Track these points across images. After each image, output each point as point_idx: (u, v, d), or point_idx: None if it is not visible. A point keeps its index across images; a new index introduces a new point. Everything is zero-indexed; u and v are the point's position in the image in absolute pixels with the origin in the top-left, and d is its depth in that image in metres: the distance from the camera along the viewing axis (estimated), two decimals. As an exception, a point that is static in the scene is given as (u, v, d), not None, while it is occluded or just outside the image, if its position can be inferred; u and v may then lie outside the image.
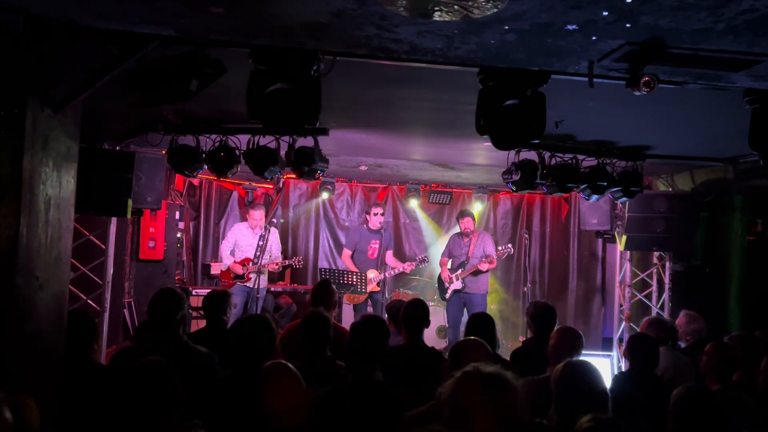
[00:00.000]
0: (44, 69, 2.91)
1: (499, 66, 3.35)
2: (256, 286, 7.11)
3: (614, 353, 6.92)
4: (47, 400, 2.87)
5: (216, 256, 8.98)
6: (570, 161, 5.58)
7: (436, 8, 2.54)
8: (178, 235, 7.94)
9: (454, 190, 9.71)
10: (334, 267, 9.24)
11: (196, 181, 8.81)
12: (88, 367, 3.36)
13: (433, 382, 3.04)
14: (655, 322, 4.62)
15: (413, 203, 9.55)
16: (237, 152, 5.21)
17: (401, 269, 7.95)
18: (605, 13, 2.61)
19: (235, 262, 7.54)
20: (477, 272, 7.63)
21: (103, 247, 6.08)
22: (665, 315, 6.85)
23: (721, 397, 3.31)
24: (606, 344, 8.34)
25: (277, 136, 5.14)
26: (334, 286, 4.92)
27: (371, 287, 7.74)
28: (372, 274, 7.78)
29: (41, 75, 2.89)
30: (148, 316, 3.51)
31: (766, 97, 3.58)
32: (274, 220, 9.41)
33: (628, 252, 7.49)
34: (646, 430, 3.21)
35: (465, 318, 7.67)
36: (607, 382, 3.19)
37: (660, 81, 3.17)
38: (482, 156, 6.80)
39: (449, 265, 7.96)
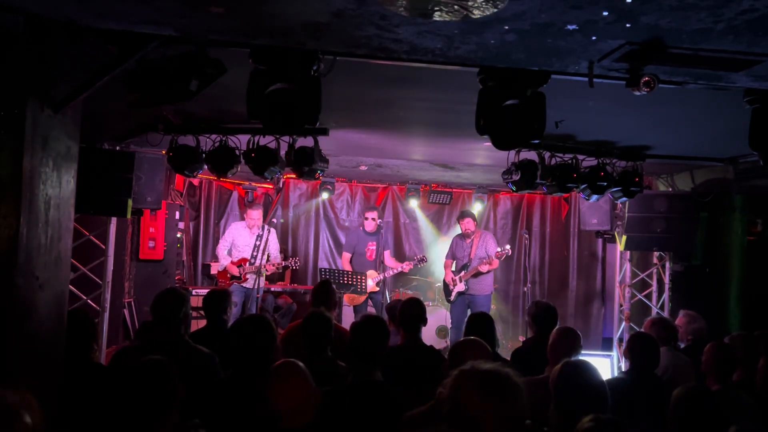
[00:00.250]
0: (44, 69, 2.91)
1: (499, 66, 3.35)
2: (255, 287, 7.11)
3: (614, 353, 6.91)
4: (47, 400, 2.88)
5: (216, 256, 9.00)
6: (570, 161, 5.58)
7: (436, 8, 2.54)
8: (178, 235, 7.94)
9: (454, 190, 9.72)
10: (334, 267, 9.25)
11: (196, 181, 8.81)
12: (88, 367, 3.36)
13: (432, 381, 3.04)
14: (657, 322, 4.63)
15: (413, 203, 9.56)
16: (237, 152, 5.22)
17: (400, 269, 7.96)
18: (605, 13, 2.61)
19: (231, 262, 7.51)
20: (479, 274, 7.64)
21: (103, 247, 6.08)
22: (665, 315, 6.85)
23: (721, 397, 3.31)
24: (606, 344, 8.34)
25: (277, 136, 5.14)
26: (334, 286, 4.91)
27: (370, 288, 7.74)
28: (371, 275, 7.78)
29: (41, 75, 2.89)
30: (152, 315, 3.52)
31: (766, 97, 3.58)
32: (274, 220, 9.42)
33: (628, 252, 7.49)
34: (645, 430, 3.21)
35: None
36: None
37: (660, 81, 3.17)
38: (482, 156, 6.80)
39: (453, 267, 7.97)
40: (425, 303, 8.42)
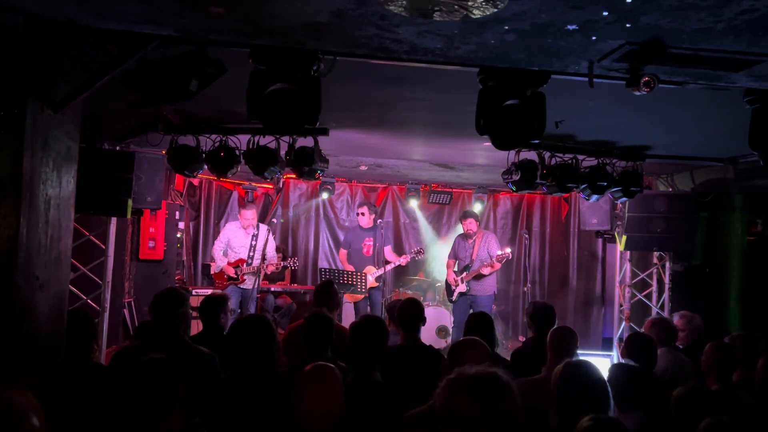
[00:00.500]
0: (44, 69, 2.91)
1: (499, 66, 3.35)
2: (255, 287, 7.11)
3: (614, 353, 6.91)
4: (47, 400, 2.88)
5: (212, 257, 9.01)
6: (570, 161, 5.59)
7: (436, 8, 2.54)
8: (178, 235, 7.94)
9: (454, 190, 9.72)
10: (334, 267, 9.25)
11: (196, 181, 8.81)
12: (88, 367, 3.36)
13: (432, 381, 3.05)
14: (657, 323, 4.62)
15: (413, 203, 9.56)
16: (237, 152, 5.22)
17: (398, 263, 7.98)
18: (605, 13, 2.61)
19: (228, 263, 7.42)
20: (480, 276, 7.64)
21: (103, 247, 6.08)
22: (665, 315, 6.85)
23: (721, 397, 3.31)
24: (606, 344, 8.35)
25: (277, 136, 5.14)
26: (336, 287, 4.91)
27: (370, 284, 7.76)
28: (369, 270, 7.80)
29: (41, 75, 2.89)
30: (151, 314, 3.51)
31: (766, 97, 3.58)
32: (274, 220, 9.43)
33: (628, 252, 7.49)
34: (644, 430, 3.21)
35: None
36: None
37: (660, 81, 3.17)
38: (482, 156, 6.81)
39: (455, 268, 7.98)
40: (425, 303, 8.48)
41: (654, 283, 7.48)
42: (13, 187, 2.74)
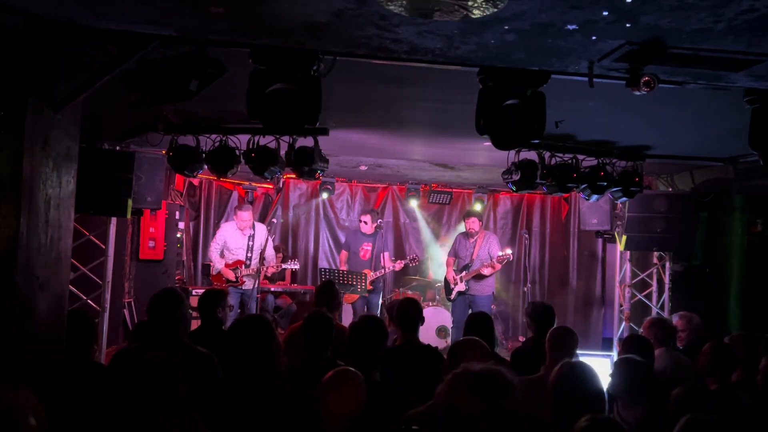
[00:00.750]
0: (44, 69, 2.91)
1: (499, 66, 3.35)
2: (255, 287, 7.09)
3: (614, 353, 6.91)
4: (47, 400, 2.87)
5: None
6: (570, 161, 5.59)
7: (436, 8, 2.54)
8: (178, 235, 7.94)
9: (454, 190, 9.72)
10: (334, 267, 9.26)
11: (196, 181, 8.81)
12: (88, 367, 3.36)
13: (431, 381, 3.05)
14: (656, 323, 4.63)
15: (413, 203, 9.56)
16: (237, 152, 5.22)
17: (391, 268, 7.97)
18: (605, 13, 2.61)
19: (226, 265, 7.30)
20: (479, 276, 7.64)
21: (103, 247, 6.08)
22: (665, 315, 6.85)
23: (720, 397, 3.31)
24: (606, 344, 8.35)
25: (277, 136, 5.14)
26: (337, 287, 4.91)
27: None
28: (365, 273, 7.80)
29: (41, 75, 2.89)
30: (148, 315, 3.51)
31: (766, 97, 3.58)
32: (274, 220, 9.43)
33: (628, 252, 7.49)
34: (644, 423, 3.21)
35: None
36: (607, 383, 3.20)
37: (660, 81, 3.17)
38: (482, 156, 6.81)
39: (455, 266, 7.97)
40: (425, 303, 8.48)
41: (654, 283, 7.48)
42: (13, 187, 2.74)
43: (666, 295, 7.29)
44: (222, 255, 7.36)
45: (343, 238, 9.31)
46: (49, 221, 2.99)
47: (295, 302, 8.60)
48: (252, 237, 7.34)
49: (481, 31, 2.87)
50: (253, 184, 9.27)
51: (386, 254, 8.07)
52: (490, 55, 3.21)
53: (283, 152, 5.28)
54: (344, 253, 8.26)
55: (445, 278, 8.05)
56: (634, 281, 7.56)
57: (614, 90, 3.41)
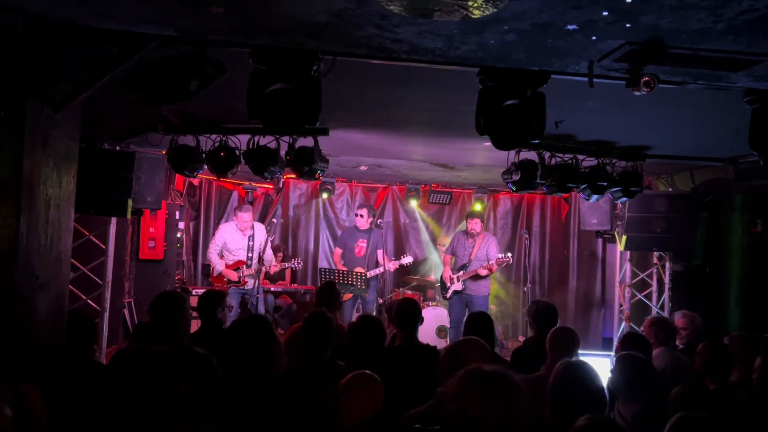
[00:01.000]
0: (44, 69, 2.91)
1: (499, 66, 3.35)
2: (255, 287, 7.08)
3: (614, 353, 6.91)
4: (47, 400, 2.87)
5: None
6: (570, 161, 5.59)
7: (436, 8, 2.54)
8: (178, 235, 7.93)
9: (454, 190, 9.72)
10: (334, 267, 9.25)
11: (196, 181, 8.81)
12: (88, 366, 3.36)
13: (430, 381, 3.05)
14: (656, 322, 4.63)
15: (413, 203, 9.57)
16: (237, 152, 5.22)
17: (386, 267, 7.95)
18: (605, 13, 2.61)
19: (227, 266, 7.27)
20: (477, 276, 7.64)
21: (103, 247, 6.08)
22: (665, 315, 6.85)
23: (718, 396, 3.31)
24: (606, 344, 8.34)
25: (277, 136, 5.14)
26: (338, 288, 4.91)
27: None
28: (359, 270, 7.80)
29: (41, 75, 2.89)
30: (150, 316, 3.52)
31: (766, 97, 3.58)
32: (274, 220, 9.42)
33: (628, 252, 7.49)
34: (642, 420, 3.22)
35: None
36: (607, 379, 3.21)
37: (660, 81, 3.17)
38: (482, 156, 6.81)
39: (452, 264, 7.97)
40: (425, 303, 8.48)
41: (654, 283, 7.48)
42: (13, 187, 2.74)
43: (666, 295, 7.29)
44: (221, 256, 7.32)
45: (338, 237, 9.31)
46: (49, 221, 2.99)
47: (295, 302, 8.60)
48: (252, 237, 7.33)
49: (481, 31, 2.87)
50: (253, 184, 9.27)
51: (380, 252, 8.06)
52: (490, 55, 3.21)
53: (283, 152, 5.28)
54: (338, 250, 8.26)
55: (441, 276, 8.05)
56: (634, 281, 7.56)
57: (614, 90, 3.41)
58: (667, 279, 7.30)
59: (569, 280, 9.58)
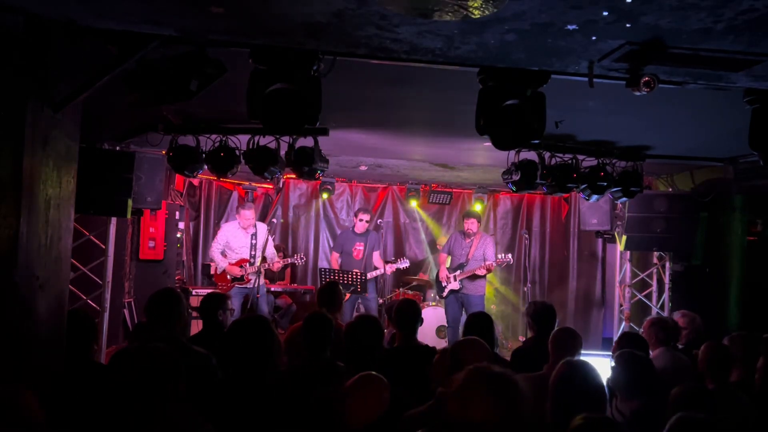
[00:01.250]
0: (44, 69, 2.91)
1: (499, 66, 3.35)
2: (255, 286, 7.09)
3: (611, 353, 6.91)
4: (47, 400, 2.87)
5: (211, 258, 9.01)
6: (570, 161, 5.59)
7: (436, 8, 2.54)
8: (178, 235, 7.93)
9: (454, 190, 9.72)
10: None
11: (196, 181, 8.81)
12: (88, 367, 3.36)
13: (430, 381, 3.05)
14: (656, 322, 4.63)
15: (413, 203, 9.56)
16: (237, 152, 5.21)
17: (382, 271, 7.95)
18: (605, 13, 2.61)
19: (230, 264, 7.30)
20: (474, 276, 7.64)
21: (103, 247, 6.08)
22: (665, 315, 6.85)
23: (718, 396, 3.31)
24: (606, 344, 8.34)
25: (277, 136, 5.14)
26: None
27: None
28: (357, 272, 7.81)
29: (41, 75, 2.89)
30: (146, 315, 3.51)
31: (766, 97, 3.59)
32: (274, 220, 9.42)
33: (628, 252, 7.49)
34: (641, 417, 3.22)
35: (464, 318, 7.69)
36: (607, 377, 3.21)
37: (660, 81, 3.17)
38: (482, 156, 6.81)
39: (448, 263, 7.97)
40: (426, 303, 8.47)
41: (654, 283, 7.48)
42: (13, 187, 2.74)
43: (666, 295, 7.29)
44: (224, 254, 7.34)
45: (335, 241, 9.30)
46: (49, 221, 2.99)
47: (295, 302, 8.59)
48: (255, 235, 7.35)
49: (481, 31, 2.87)
50: (253, 184, 9.26)
51: (376, 254, 8.05)
52: (490, 55, 3.21)
53: (283, 152, 5.28)
54: (335, 254, 8.24)
55: (437, 276, 8.05)
56: (634, 281, 7.56)
57: (614, 90, 3.41)
58: (667, 279, 7.30)
59: (569, 280, 9.58)
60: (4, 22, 2.77)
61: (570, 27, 2.77)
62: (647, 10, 2.57)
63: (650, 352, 4.33)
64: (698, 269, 6.92)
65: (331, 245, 9.73)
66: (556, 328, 3.94)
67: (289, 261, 7.92)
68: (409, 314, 4.04)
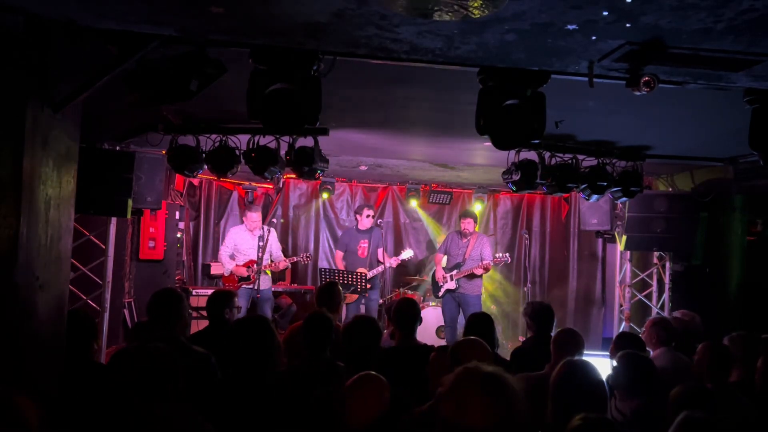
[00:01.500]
0: (44, 69, 2.91)
1: (499, 66, 3.35)
2: (256, 287, 7.12)
3: (609, 353, 6.91)
4: (47, 400, 2.87)
5: (216, 256, 9.01)
6: (570, 161, 5.59)
7: (436, 8, 2.54)
8: (178, 235, 7.93)
9: (454, 190, 9.72)
10: (334, 267, 9.25)
11: (196, 181, 8.81)
12: (88, 367, 3.36)
13: (429, 381, 3.05)
14: (658, 323, 4.63)
15: (413, 203, 9.56)
16: (237, 152, 5.22)
17: (388, 265, 7.98)
18: (605, 13, 2.61)
19: (237, 265, 7.41)
20: (471, 275, 7.64)
21: (103, 247, 6.08)
22: (665, 315, 6.85)
23: (716, 396, 3.31)
24: (606, 344, 8.30)
25: (277, 136, 5.14)
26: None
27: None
28: (362, 271, 7.81)
29: (41, 75, 2.89)
30: (148, 315, 3.52)
31: (766, 97, 3.58)
32: (274, 220, 9.43)
33: (628, 252, 7.49)
34: (641, 416, 3.22)
35: (461, 317, 7.70)
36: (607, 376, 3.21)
37: (660, 81, 3.17)
38: (482, 156, 6.81)
39: (444, 263, 7.96)
40: (426, 303, 8.47)
41: (654, 283, 7.48)
42: (13, 187, 2.74)
43: (666, 295, 7.29)
44: (233, 257, 7.48)
45: (339, 240, 9.31)
46: (49, 221, 2.99)
47: (295, 302, 8.59)
48: (262, 237, 7.45)
49: (481, 31, 2.87)
50: (253, 184, 9.26)
51: (380, 250, 8.07)
52: (490, 55, 3.21)
53: (283, 152, 5.28)
54: (339, 253, 8.27)
55: (433, 275, 8.05)
56: (634, 281, 7.56)
57: (614, 90, 3.41)
58: (667, 279, 7.30)
59: (569, 280, 9.58)
60: (4, 22, 2.77)
61: (570, 27, 2.77)
62: (647, 10, 2.56)
63: (651, 352, 4.33)
64: (698, 269, 6.92)
65: (332, 245, 9.74)
66: (557, 329, 3.94)
67: (296, 259, 7.99)
68: (408, 314, 4.05)
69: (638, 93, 3.17)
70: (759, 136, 3.67)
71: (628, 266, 7.59)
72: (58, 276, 3.12)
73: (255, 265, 7.36)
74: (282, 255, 7.82)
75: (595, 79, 3.28)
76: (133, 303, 7.17)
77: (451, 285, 7.72)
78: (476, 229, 7.98)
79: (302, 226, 9.78)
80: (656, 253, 7.40)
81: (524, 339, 6.99)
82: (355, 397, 2.67)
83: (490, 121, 3.42)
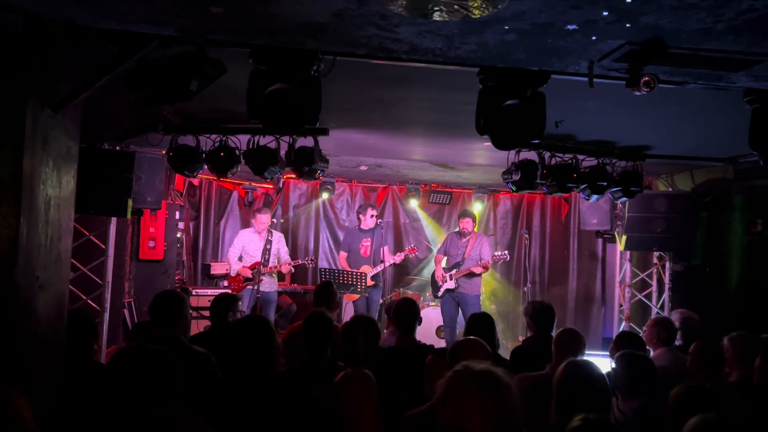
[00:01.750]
0: (44, 69, 2.91)
1: (499, 66, 3.35)
2: (256, 287, 7.14)
3: (609, 353, 6.91)
4: (47, 400, 2.88)
5: (216, 256, 9.02)
6: (570, 161, 5.59)
7: (436, 8, 2.54)
8: (178, 235, 7.94)
9: (454, 190, 9.72)
10: (334, 267, 9.25)
11: (196, 181, 8.81)
12: (88, 367, 3.36)
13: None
14: (659, 322, 4.63)
15: (413, 203, 9.56)
16: (237, 152, 5.22)
17: (393, 260, 8.01)
18: (605, 13, 2.61)
19: (244, 266, 7.50)
20: (471, 274, 7.64)
21: (103, 247, 6.08)
22: (665, 315, 6.85)
23: (716, 395, 3.31)
24: (606, 344, 8.30)
25: (277, 136, 5.14)
26: (335, 287, 4.93)
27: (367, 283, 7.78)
28: (364, 269, 7.82)
29: (41, 75, 2.89)
30: (150, 316, 3.52)
31: (766, 97, 3.59)
32: (274, 220, 9.43)
33: (628, 252, 7.49)
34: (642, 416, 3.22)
35: (460, 317, 7.70)
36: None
37: (660, 81, 3.17)
38: (482, 156, 6.81)
39: (444, 263, 7.97)
40: (426, 303, 8.47)
41: (654, 283, 7.48)
42: (13, 187, 2.74)
43: (666, 295, 7.29)
44: (240, 259, 7.57)
45: (342, 241, 9.31)
46: (49, 221, 2.99)
47: (295, 302, 8.59)
48: (269, 240, 7.53)
49: (481, 31, 2.87)
50: (253, 184, 9.26)
51: (385, 248, 8.08)
52: (490, 55, 3.21)
53: (283, 152, 5.28)
54: (343, 253, 8.26)
55: (433, 275, 8.05)
56: (634, 281, 7.56)
57: (614, 90, 3.41)
58: (667, 279, 7.30)
59: (569, 280, 9.58)
60: (4, 22, 2.77)
61: (570, 27, 2.77)
62: (647, 10, 2.57)
63: (651, 352, 4.33)
64: (698, 269, 6.92)
65: (332, 245, 9.74)
66: (557, 329, 3.93)
67: (300, 262, 8.03)
68: (407, 314, 4.04)
69: (638, 93, 3.17)
70: (759, 136, 3.68)
71: (628, 266, 7.59)
72: (58, 276, 3.12)
73: (260, 267, 7.40)
74: (289, 258, 7.90)
75: (595, 79, 3.28)
76: (133, 303, 7.17)
77: (450, 284, 7.72)
78: (476, 229, 7.97)
79: (302, 226, 9.78)
80: (656, 253, 7.40)
81: (524, 339, 6.99)
82: (344, 395, 2.66)
83: (490, 121, 3.42)
